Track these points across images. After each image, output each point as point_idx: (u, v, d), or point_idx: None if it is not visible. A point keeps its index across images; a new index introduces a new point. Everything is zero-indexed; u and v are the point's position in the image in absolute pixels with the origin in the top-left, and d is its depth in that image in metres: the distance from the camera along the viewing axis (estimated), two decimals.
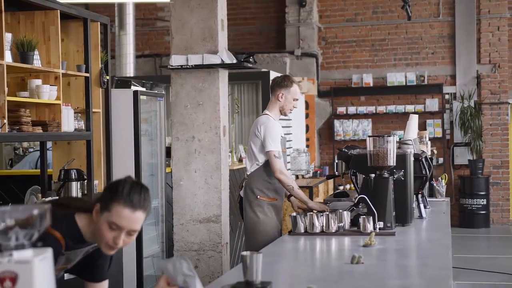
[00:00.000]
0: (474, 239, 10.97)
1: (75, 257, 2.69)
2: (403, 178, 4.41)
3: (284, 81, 4.96)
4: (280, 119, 5.02)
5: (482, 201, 11.66)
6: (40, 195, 5.33)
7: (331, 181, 10.50)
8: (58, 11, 5.10)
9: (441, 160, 11.99)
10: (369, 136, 4.36)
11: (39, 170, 5.72)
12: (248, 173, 4.97)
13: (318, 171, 10.30)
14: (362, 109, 12.28)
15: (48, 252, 1.74)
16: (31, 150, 8.32)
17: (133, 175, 6.00)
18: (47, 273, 1.72)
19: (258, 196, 4.90)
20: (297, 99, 5.00)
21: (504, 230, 11.69)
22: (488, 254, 9.75)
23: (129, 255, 6.01)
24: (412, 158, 4.58)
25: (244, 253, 2.64)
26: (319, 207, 4.72)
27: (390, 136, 4.32)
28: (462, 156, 12.00)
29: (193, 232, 5.47)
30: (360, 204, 4.28)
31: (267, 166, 4.85)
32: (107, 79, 5.78)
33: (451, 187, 11.94)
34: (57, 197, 4.87)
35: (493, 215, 11.93)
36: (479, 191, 11.68)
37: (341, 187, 9.94)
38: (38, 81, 4.94)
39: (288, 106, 4.96)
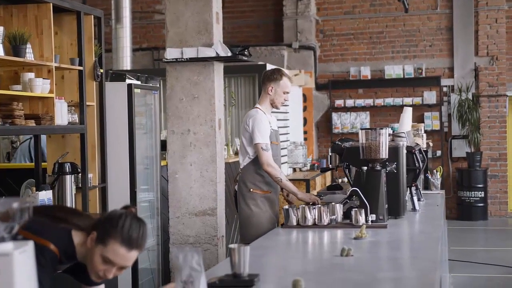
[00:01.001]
0: (472, 231, 10.97)
1: (62, 268, 2.69)
2: (395, 171, 4.42)
3: (274, 74, 4.94)
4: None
5: (480, 194, 11.66)
6: (34, 188, 5.33)
7: (328, 174, 10.50)
8: (51, 4, 5.07)
9: (439, 152, 11.98)
10: (361, 129, 4.36)
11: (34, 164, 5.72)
12: (241, 167, 4.97)
13: (316, 164, 10.29)
14: (360, 102, 12.27)
15: (29, 245, 1.74)
16: None
17: (127, 168, 6.01)
18: (27, 266, 1.72)
19: (251, 189, 4.90)
20: (287, 92, 4.97)
21: (502, 222, 11.70)
22: (486, 246, 9.74)
23: None
24: (404, 151, 4.58)
25: (232, 245, 2.66)
26: (309, 198, 4.72)
27: (382, 129, 4.32)
28: (460, 149, 11.99)
29: (189, 225, 5.48)
30: (353, 196, 4.29)
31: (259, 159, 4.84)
32: (101, 73, 5.77)
33: (449, 180, 11.94)
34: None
35: (491, 208, 11.93)
36: (477, 183, 11.68)
37: (339, 180, 9.94)
38: (31, 75, 4.93)
39: (278, 100, 4.94)
